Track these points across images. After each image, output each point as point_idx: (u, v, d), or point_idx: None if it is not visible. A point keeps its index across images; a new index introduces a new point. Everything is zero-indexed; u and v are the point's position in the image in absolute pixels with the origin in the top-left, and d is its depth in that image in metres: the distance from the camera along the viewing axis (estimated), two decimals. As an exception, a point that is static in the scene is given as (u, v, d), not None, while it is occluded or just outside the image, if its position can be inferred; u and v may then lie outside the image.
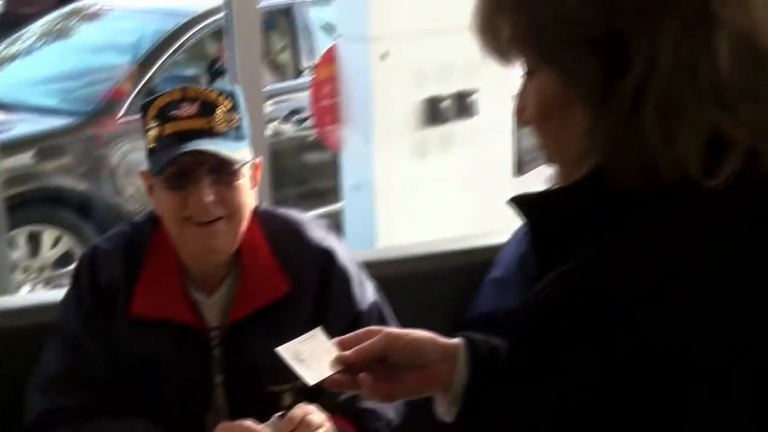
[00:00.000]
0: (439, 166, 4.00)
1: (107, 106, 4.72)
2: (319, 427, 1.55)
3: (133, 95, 4.71)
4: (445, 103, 3.89)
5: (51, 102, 4.96)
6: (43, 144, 4.64)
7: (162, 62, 4.90)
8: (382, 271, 2.23)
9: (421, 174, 3.96)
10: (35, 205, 4.53)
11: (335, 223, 4.17)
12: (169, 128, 1.64)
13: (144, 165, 1.75)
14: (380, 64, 3.74)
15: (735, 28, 0.83)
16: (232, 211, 1.66)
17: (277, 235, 1.77)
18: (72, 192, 4.57)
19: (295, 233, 1.79)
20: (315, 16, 5.41)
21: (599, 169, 0.87)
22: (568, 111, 0.89)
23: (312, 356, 1.21)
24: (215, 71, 5.06)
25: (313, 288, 1.75)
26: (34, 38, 5.71)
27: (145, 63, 4.91)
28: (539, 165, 3.99)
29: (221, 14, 2.41)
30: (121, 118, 4.63)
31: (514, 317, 0.90)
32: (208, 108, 1.64)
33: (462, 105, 3.95)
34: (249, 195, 1.69)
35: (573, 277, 0.84)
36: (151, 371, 1.73)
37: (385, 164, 3.87)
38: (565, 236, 0.89)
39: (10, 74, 5.41)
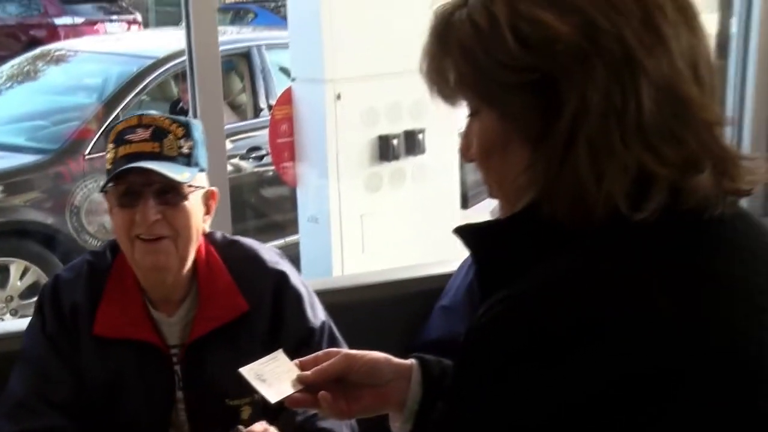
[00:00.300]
0: (390, 199, 4.01)
1: (74, 145, 4.67)
2: None
3: (98, 135, 4.67)
4: (396, 141, 3.92)
5: (19, 140, 4.91)
6: (11, 180, 4.58)
7: (126, 103, 4.87)
8: (337, 298, 2.22)
9: (374, 207, 3.96)
10: (3, 238, 4.48)
11: (293, 254, 4.16)
12: (122, 150, 1.67)
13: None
14: (334, 105, 3.76)
15: (658, 76, 0.85)
16: (178, 231, 1.68)
17: (234, 259, 1.79)
18: (39, 225, 4.52)
19: (250, 258, 1.81)
20: (272, 59, 5.43)
21: (535, 203, 0.88)
22: (509, 149, 0.91)
23: (273, 376, 1.21)
24: (178, 111, 5.04)
25: (267, 307, 1.77)
26: (2, 80, 5.65)
27: (110, 104, 4.88)
28: (484, 198, 4.02)
29: (183, 57, 2.40)
30: (87, 156, 4.59)
31: (460, 342, 0.91)
32: (159, 133, 1.68)
33: (411, 143, 3.97)
34: (196, 219, 1.71)
35: (511, 303, 0.85)
36: (116, 389, 1.72)
37: (339, 198, 3.87)
38: (505, 265, 0.90)
39: (-20, 114, 5.34)
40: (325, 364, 1.19)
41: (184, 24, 2.30)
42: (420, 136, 3.97)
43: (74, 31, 12.02)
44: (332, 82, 3.74)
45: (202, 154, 1.74)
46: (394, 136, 3.91)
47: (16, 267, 4.47)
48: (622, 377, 0.79)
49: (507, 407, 0.83)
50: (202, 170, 1.74)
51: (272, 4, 14.35)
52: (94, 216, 4.44)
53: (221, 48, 5.29)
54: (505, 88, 0.88)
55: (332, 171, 3.83)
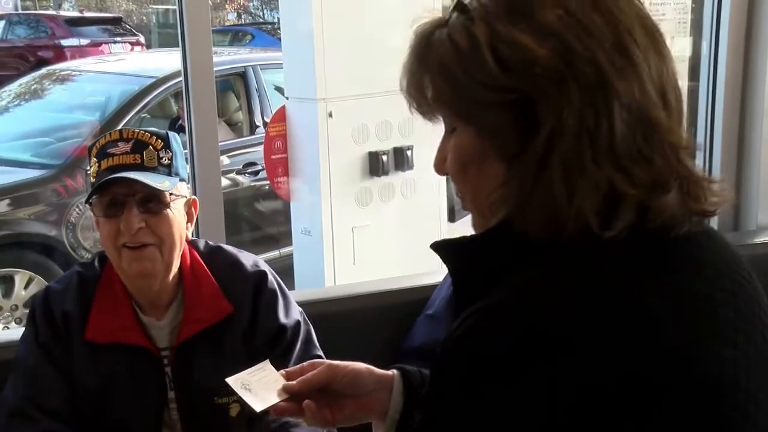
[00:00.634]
0: (380, 213, 4.02)
1: (76, 161, 4.65)
2: None
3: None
4: (385, 157, 3.92)
5: (25, 156, 4.90)
6: (17, 194, 4.56)
7: (127, 120, 4.87)
8: (328, 307, 2.23)
9: (365, 220, 3.97)
10: (9, 249, 4.46)
11: (287, 265, 4.15)
12: (105, 163, 1.68)
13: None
14: (326, 123, 3.77)
15: (629, 99, 0.85)
16: (161, 239, 1.68)
17: (217, 264, 1.81)
18: (42, 237, 4.50)
19: (232, 263, 1.83)
20: (268, 78, 5.43)
21: (509, 218, 0.88)
22: (485, 165, 0.90)
23: (259, 386, 1.20)
24: (177, 129, 5.04)
25: (248, 307, 1.78)
26: (10, 98, 5.65)
27: (111, 121, 4.86)
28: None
29: (182, 77, 2.40)
30: (87, 172, 4.55)
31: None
32: (139, 146, 1.69)
33: (400, 159, 3.99)
34: (179, 226, 1.72)
35: (483, 316, 0.84)
36: (109, 392, 1.72)
37: (331, 212, 3.87)
38: (480, 279, 0.89)
39: (-11, 131, 5.33)
40: (309, 374, 1.18)
41: (180, 45, 2.30)
42: (408, 152, 3.99)
43: (80, 51, 12.05)
44: (324, 101, 3.76)
45: (181, 165, 1.75)
46: (384, 153, 3.93)
47: (20, 277, 4.46)
48: (589, 389, 0.78)
49: (480, 418, 0.82)
50: (182, 180, 1.75)
51: (269, 27, 14.41)
52: (89, 231, 4.42)
53: (219, 68, 5.30)
54: (483, 107, 0.87)
55: (324, 186, 3.84)
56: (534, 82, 0.84)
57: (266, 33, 13.84)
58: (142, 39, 14.20)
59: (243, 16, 21.82)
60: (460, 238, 0.95)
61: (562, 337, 0.79)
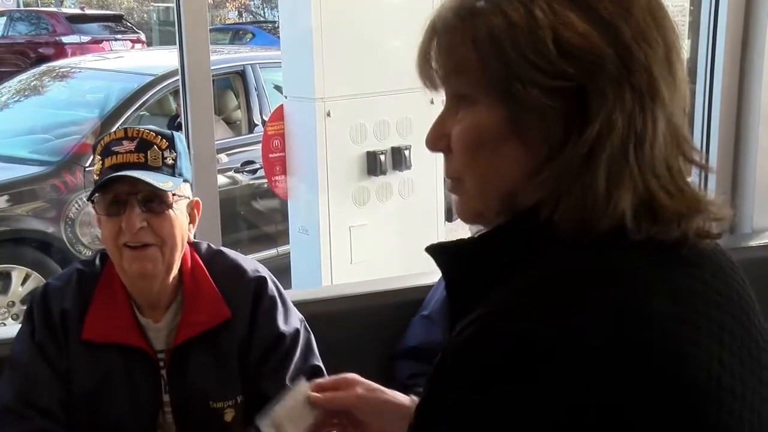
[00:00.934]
0: (378, 212, 4.01)
1: (74, 158, 4.64)
2: None
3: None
4: (383, 157, 3.92)
5: (23, 153, 4.89)
6: (15, 190, 4.55)
7: (126, 118, 4.86)
8: (324, 307, 2.22)
9: (362, 220, 3.96)
10: (6, 245, 4.45)
11: (284, 264, 4.15)
12: (108, 161, 1.67)
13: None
14: (324, 122, 3.76)
15: (671, 113, 0.85)
16: (163, 239, 1.67)
17: (218, 268, 1.79)
18: (40, 234, 4.49)
19: (233, 267, 1.81)
20: (267, 77, 5.42)
21: (533, 209, 0.85)
22: (503, 146, 0.86)
23: (289, 421, 1.22)
24: (176, 126, 5.03)
25: (246, 313, 1.76)
26: (10, 94, 5.64)
27: (110, 118, 4.86)
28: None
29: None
30: (86, 169, 4.55)
31: (438, 351, 0.87)
32: (144, 145, 1.67)
33: (398, 159, 3.98)
34: (181, 227, 1.70)
35: (488, 321, 0.81)
36: (104, 393, 1.70)
37: (329, 211, 3.87)
38: (477, 281, 0.87)
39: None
40: (339, 394, 1.22)
41: (177, 43, 2.29)
42: (406, 152, 3.97)
43: (81, 49, 12.05)
44: (322, 101, 3.75)
45: (185, 165, 1.74)
46: (382, 152, 3.92)
47: (17, 273, 4.44)
48: (593, 391, 0.77)
49: (486, 425, 0.80)
50: (185, 181, 1.74)
51: (270, 25, 14.39)
52: (87, 227, 4.41)
53: (218, 66, 5.32)
54: (529, 87, 0.83)
55: (322, 185, 3.83)
56: (593, 75, 0.82)
57: (267, 32, 13.82)
58: (142, 36, 14.21)
59: (244, 15, 21.81)
60: (457, 241, 0.92)
61: (568, 341, 0.78)
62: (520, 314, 0.80)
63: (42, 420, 1.67)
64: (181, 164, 1.71)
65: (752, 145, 2.83)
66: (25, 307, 4.43)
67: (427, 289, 2.26)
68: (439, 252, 0.93)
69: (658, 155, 0.84)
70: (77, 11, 15.12)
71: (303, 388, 1.25)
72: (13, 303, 4.45)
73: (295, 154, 3.89)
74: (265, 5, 21.55)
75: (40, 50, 12.46)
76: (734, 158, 2.88)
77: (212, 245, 1.85)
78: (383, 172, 3.95)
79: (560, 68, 0.82)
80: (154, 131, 1.70)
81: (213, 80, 2.57)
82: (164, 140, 1.69)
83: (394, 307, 2.28)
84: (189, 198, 1.75)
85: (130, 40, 13.25)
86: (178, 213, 1.69)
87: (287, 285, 3.83)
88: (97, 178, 1.68)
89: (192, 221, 1.76)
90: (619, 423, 0.77)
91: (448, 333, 0.89)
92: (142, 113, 5.05)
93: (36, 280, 4.42)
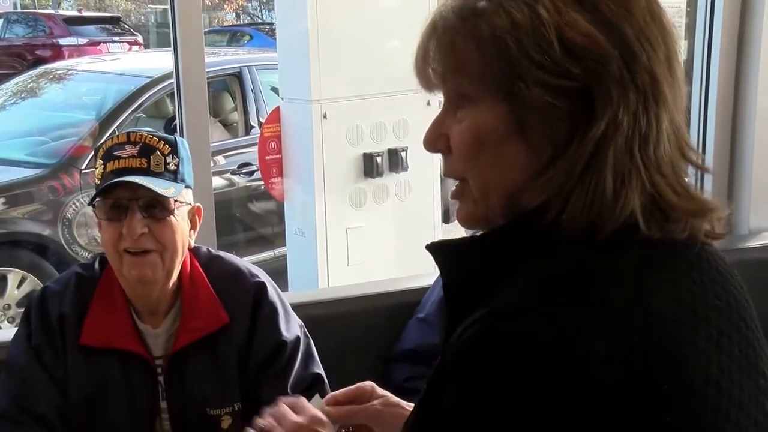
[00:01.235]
0: (374, 214, 4.00)
1: (70, 160, 4.64)
2: None
3: (94, 151, 4.64)
4: (379, 159, 3.91)
5: (20, 155, 4.88)
6: (11, 193, 4.54)
7: (123, 120, 4.85)
8: (320, 310, 2.22)
9: (359, 221, 3.95)
10: (2, 248, 4.44)
11: (281, 266, 4.14)
12: (110, 166, 1.65)
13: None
14: (320, 124, 3.76)
15: (672, 113, 0.85)
16: (164, 245, 1.65)
17: (217, 273, 1.77)
18: (35, 236, 4.48)
19: (232, 272, 1.79)
20: (264, 79, 5.41)
21: (534, 213, 0.85)
22: (505, 146, 0.86)
23: None
24: (173, 129, 5.02)
25: (246, 319, 1.75)
26: (7, 96, 5.63)
27: (107, 121, 4.85)
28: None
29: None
30: (82, 171, 4.55)
31: (434, 353, 0.87)
32: (147, 150, 1.66)
33: (394, 160, 3.97)
34: (182, 233, 1.68)
35: (490, 321, 0.80)
36: (101, 398, 1.69)
37: (325, 212, 3.86)
38: (476, 281, 0.86)
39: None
40: (356, 409, 1.21)
41: (172, 46, 2.28)
42: (403, 154, 3.97)
43: (78, 51, 12.03)
44: (319, 102, 3.74)
45: (188, 171, 1.72)
46: (378, 154, 3.91)
47: (13, 276, 4.43)
48: (597, 387, 0.76)
49: (485, 425, 0.79)
50: (188, 187, 1.72)
51: (267, 27, 14.38)
52: (84, 228, 4.40)
53: (215, 68, 5.30)
54: (532, 87, 0.83)
55: (318, 187, 3.82)
56: (598, 75, 0.82)
57: (264, 34, 13.81)
58: (140, 38, 14.18)
59: (242, 17, 21.80)
60: (459, 239, 0.91)
61: (568, 342, 0.77)
62: (521, 315, 0.79)
63: (37, 426, 1.65)
64: (184, 170, 1.70)
65: (748, 147, 2.83)
66: (21, 311, 4.44)
67: (423, 291, 2.25)
68: (439, 250, 0.92)
69: (663, 155, 0.84)
70: (74, 13, 15.11)
71: (317, 402, 1.23)
72: (9, 306, 4.45)
73: (292, 156, 3.89)
74: (262, 7, 21.54)
75: (37, 52, 12.44)
76: (730, 159, 2.87)
77: (211, 250, 1.84)
78: (380, 174, 3.94)
79: (565, 68, 0.82)
80: (157, 136, 1.69)
81: (209, 82, 2.56)
82: (167, 145, 1.68)
83: (390, 309, 2.27)
84: (191, 204, 1.73)
85: (127, 42, 13.22)
86: (180, 219, 1.67)
87: (284, 287, 3.82)
88: (99, 182, 1.66)
89: (193, 227, 1.74)
90: (617, 424, 0.76)
91: (444, 334, 0.88)
92: (138, 115, 5.04)
93: (32, 283, 4.41)
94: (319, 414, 1.19)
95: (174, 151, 1.69)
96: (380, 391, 1.25)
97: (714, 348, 0.82)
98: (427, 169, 3.98)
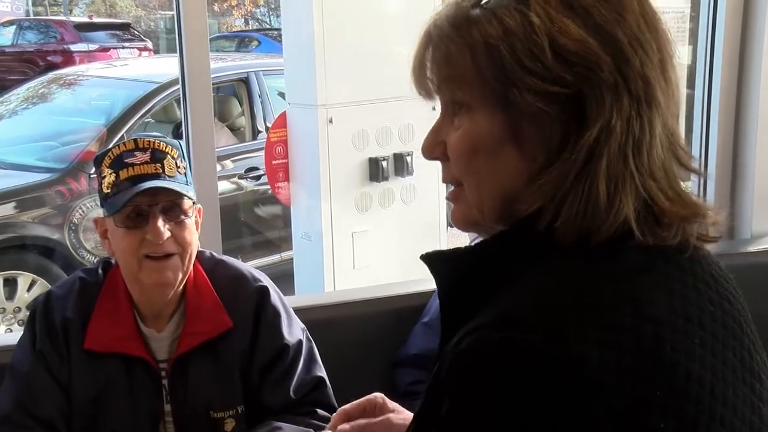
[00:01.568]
0: (380, 218, 4.00)
1: (79, 165, 4.64)
2: None
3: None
4: (385, 163, 3.91)
5: (30, 160, 4.89)
6: (21, 197, 4.55)
7: (131, 125, 4.86)
8: (325, 313, 2.21)
9: (364, 225, 3.95)
10: (12, 252, 4.45)
11: (287, 269, 4.14)
12: (124, 174, 1.63)
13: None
14: (326, 128, 3.76)
15: (665, 119, 0.85)
16: (184, 247, 1.66)
17: (220, 278, 1.77)
18: (45, 240, 4.49)
19: (235, 277, 1.79)
20: (271, 84, 5.42)
21: (529, 219, 0.84)
22: (499, 153, 0.86)
23: None
24: (180, 133, 5.03)
25: (248, 321, 1.74)
26: (18, 101, 5.65)
27: (116, 125, 4.86)
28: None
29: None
30: (90, 176, 4.55)
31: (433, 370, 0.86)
32: (159, 155, 1.65)
33: (400, 165, 3.97)
34: (195, 235, 1.69)
35: (487, 331, 0.79)
36: (105, 403, 1.69)
37: (331, 217, 3.85)
38: (473, 290, 0.85)
39: (-3, 134, 5.33)
40: (372, 424, 1.20)
41: (177, 51, 2.28)
42: (408, 158, 3.97)
43: (89, 57, 12.07)
44: (325, 107, 3.74)
45: (189, 173, 1.73)
46: (384, 159, 3.91)
47: (23, 279, 4.45)
48: (593, 400, 0.75)
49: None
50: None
51: (275, 33, 14.41)
52: (91, 233, 4.41)
53: (222, 74, 5.30)
54: (525, 94, 0.82)
55: (324, 191, 3.82)
56: (591, 81, 0.81)
57: (272, 39, 13.84)
58: (149, 44, 14.23)
59: (250, 23, 21.85)
60: (454, 249, 0.90)
61: (564, 351, 0.76)
62: (515, 324, 0.78)
63: (41, 430, 1.65)
64: (189, 172, 1.71)
65: (750, 151, 2.81)
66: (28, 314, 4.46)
67: (429, 294, 2.24)
68: (434, 260, 0.91)
69: (656, 160, 0.84)
70: (85, 20, 15.16)
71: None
72: (20, 309, 4.46)
73: (298, 161, 3.89)
74: (271, 13, 21.59)
75: (49, 58, 12.49)
76: (733, 164, 2.86)
77: (215, 254, 1.83)
78: (385, 178, 3.94)
79: (557, 74, 0.81)
80: (163, 141, 1.68)
81: (217, 87, 2.56)
82: (174, 149, 1.68)
83: (396, 313, 2.26)
84: (198, 205, 1.74)
85: (137, 48, 13.27)
86: (193, 220, 1.68)
87: (290, 291, 3.82)
88: (109, 191, 1.64)
89: (197, 227, 1.74)
90: (612, 431, 0.75)
91: (440, 343, 0.87)
92: (147, 120, 5.05)
93: (42, 286, 4.42)
94: None
95: (181, 154, 1.69)
96: (391, 403, 1.23)
97: (708, 353, 0.82)
98: (432, 174, 3.97)
